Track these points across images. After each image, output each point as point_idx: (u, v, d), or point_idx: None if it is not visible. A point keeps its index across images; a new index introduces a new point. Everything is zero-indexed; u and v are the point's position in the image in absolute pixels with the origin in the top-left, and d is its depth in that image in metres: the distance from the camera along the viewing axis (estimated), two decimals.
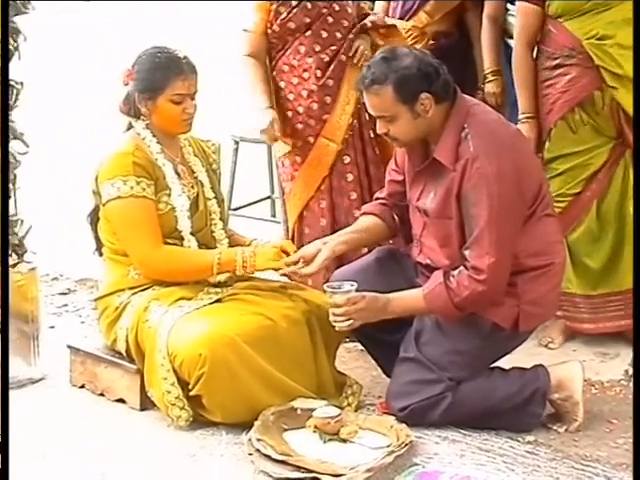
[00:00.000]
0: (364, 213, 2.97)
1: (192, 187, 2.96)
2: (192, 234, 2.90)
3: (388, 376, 2.90)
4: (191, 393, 2.67)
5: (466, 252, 2.61)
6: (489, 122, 2.67)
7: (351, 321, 2.67)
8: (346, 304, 2.64)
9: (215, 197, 3.03)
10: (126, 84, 2.91)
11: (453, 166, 2.60)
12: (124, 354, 2.88)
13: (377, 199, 2.98)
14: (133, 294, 2.87)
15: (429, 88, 2.60)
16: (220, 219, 3.03)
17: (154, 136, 2.90)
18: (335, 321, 2.69)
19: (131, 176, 2.79)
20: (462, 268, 2.61)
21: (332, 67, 3.44)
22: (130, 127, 2.96)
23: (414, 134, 2.66)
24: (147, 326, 2.77)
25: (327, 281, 2.82)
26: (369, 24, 3.49)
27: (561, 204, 3.31)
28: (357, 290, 2.67)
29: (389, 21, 3.59)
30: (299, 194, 3.51)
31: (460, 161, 2.59)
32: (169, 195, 2.87)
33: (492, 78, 3.72)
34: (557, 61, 3.23)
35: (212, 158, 3.11)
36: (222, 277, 2.89)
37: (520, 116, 3.34)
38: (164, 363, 2.69)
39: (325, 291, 2.72)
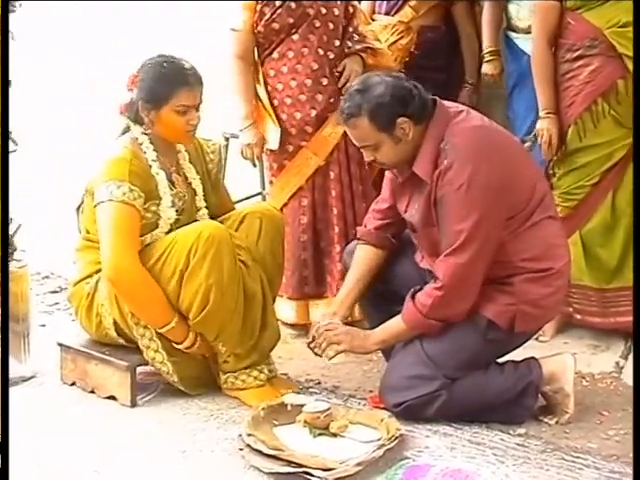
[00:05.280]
0: (360, 240, 2.95)
1: (184, 196, 2.95)
2: None
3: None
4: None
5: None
6: (469, 130, 2.63)
7: (334, 347, 2.78)
8: (326, 329, 2.79)
9: (206, 206, 3.02)
10: (130, 89, 2.88)
11: (430, 178, 2.61)
12: (113, 332, 2.89)
13: (376, 212, 2.94)
14: (99, 271, 2.86)
15: (405, 112, 2.61)
16: None
17: (151, 142, 2.88)
18: (320, 347, 2.81)
19: (126, 182, 2.77)
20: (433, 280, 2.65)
21: (324, 82, 3.45)
22: (127, 130, 2.93)
23: (399, 157, 2.68)
24: None
25: None
26: (358, 47, 3.51)
27: (578, 196, 3.33)
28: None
29: (377, 44, 3.60)
30: (277, 197, 3.55)
31: (436, 171, 2.60)
32: (158, 205, 2.86)
33: (490, 58, 3.74)
34: (578, 52, 3.23)
35: (209, 157, 3.09)
36: None
37: (541, 112, 3.33)
38: None
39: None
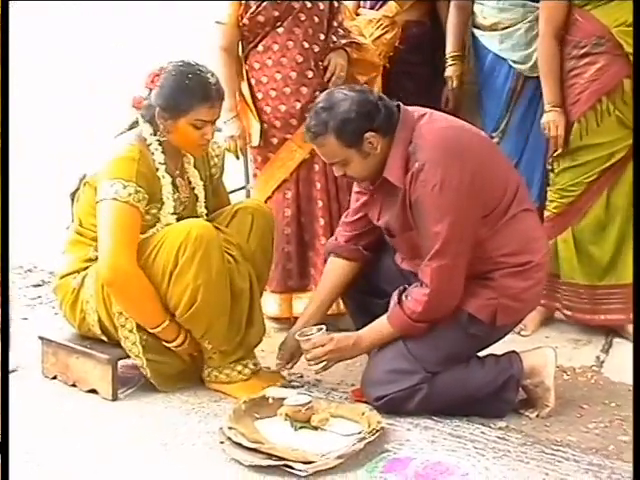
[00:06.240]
0: (332, 253, 2.95)
1: (185, 201, 2.93)
2: None
3: None
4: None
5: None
6: (435, 131, 2.63)
7: (324, 363, 2.79)
8: (313, 347, 2.75)
9: (207, 213, 2.99)
10: (148, 88, 2.81)
11: (402, 182, 2.61)
12: (97, 328, 2.88)
13: (346, 225, 2.93)
14: (86, 268, 2.87)
15: (372, 126, 2.60)
16: None
17: (160, 144, 2.83)
18: (309, 365, 2.82)
19: (132, 183, 2.72)
20: (418, 283, 2.65)
21: (309, 75, 3.45)
22: (134, 125, 2.88)
23: (369, 171, 2.68)
24: None
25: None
26: (343, 42, 3.52)
27: (575, 192, 3.33)
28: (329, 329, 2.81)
29: (361, 39, 3.61)
30: (261, 190, 3.54)
31: (407, 175, 2.59)
32: (159, 209, 2.83)
33: (452, 62, 3.75)
34: (584, 50, 3.22)
35: (213, 161, 3.06)
36: None
37: (546, 106, 3.32)
38: None
39: (297, 339, 2.83)
